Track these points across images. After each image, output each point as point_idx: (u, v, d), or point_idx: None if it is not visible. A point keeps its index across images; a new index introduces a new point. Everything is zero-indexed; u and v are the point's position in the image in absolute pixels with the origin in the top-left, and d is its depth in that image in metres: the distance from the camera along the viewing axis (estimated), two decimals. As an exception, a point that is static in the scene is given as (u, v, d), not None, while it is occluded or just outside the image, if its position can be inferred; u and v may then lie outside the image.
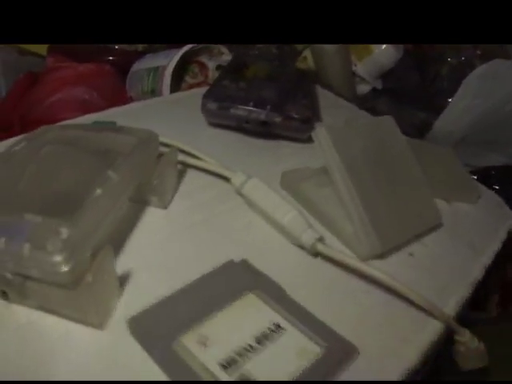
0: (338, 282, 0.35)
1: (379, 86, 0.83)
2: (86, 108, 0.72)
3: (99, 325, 0.29)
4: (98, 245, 0.29)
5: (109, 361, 0.28)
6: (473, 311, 0.56)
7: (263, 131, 0.50)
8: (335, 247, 0.37)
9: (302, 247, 0.37)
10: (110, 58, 0.83)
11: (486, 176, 0.79)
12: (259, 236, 0.38)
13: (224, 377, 0.26)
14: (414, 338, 0.32)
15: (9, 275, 0.28)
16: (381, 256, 0.38)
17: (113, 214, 0.33)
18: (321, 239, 0.35)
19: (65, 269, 0.26)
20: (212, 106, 0.50)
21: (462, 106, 0.73)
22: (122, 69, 0.80)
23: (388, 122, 0.46)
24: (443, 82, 0.81)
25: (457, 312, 0.36)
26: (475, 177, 0.79)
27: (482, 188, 0.55)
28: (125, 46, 0.87)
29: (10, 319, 0.30)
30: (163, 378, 0.27)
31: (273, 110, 0.48)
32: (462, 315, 0.37)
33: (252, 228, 0.39)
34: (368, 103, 0.79)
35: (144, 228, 0.38)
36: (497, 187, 0.79)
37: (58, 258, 0.26)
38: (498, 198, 0.54)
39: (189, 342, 0.28)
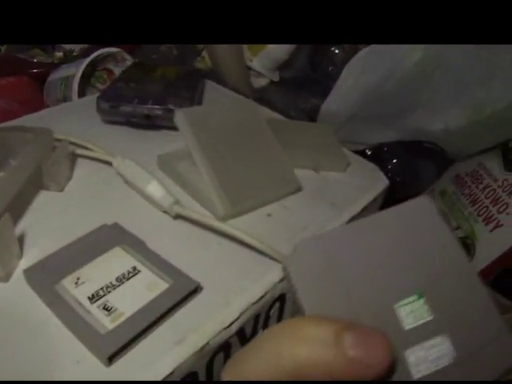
0: (194, 237, 0.44)
1: (276, 78, 0.91)
2: (8, 118, 0.79)
3: (5, 278, 0.37)
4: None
5: (13, 303, 0.36)
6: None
7: (149, 124, 0.58)
8: (199, 211, 0.45)
9: (166, 212, 0.45)
10: (30, 70, 0.90)
11: (380, 152, 0.88)
12: (133, 206, 0.47)
13: (90, 307, 0.35)
14: (260, 278, 0.40)
15: None
16: (238, 216, 0.46)
17: (14, 192, 0.41)
18: (177, 202, 0.44)
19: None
20: (104, 105, 0.58)
21: (347, 87, 0.79)
22: (41, 79, 0.88)
23: (248, 103, 0.55)
24: (330, 66, 0.90)
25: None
26: (368, 152, 0.89)
27: (357, 157, 0.61)
28: (42, 59, 0.94)
29: None
30: (49, 313, 0.35)
31: (154, 103, 0.57)
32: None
33: (128, 200, 0.47)
34: (265, 95, 0.88)
35: (43, 206, 0.46)
36: (394, 161, 0.89)
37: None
38: (372, 165, 0.60)
39: (67, 283, 0.37)
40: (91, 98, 0.72)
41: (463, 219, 0.74)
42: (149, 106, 0.56)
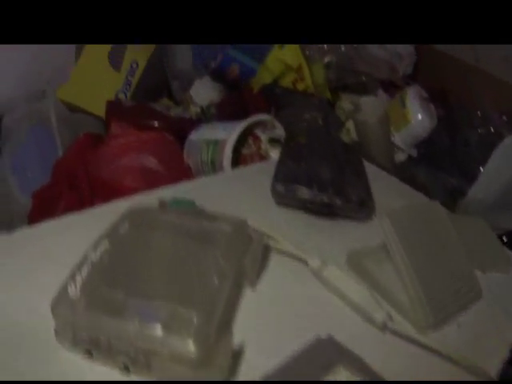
0: (402, 352, 0.42)
1: (414, 153, 0.91)
2: (149, 176, 0.79)
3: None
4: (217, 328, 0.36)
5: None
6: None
7: (325, 211, 0.57)
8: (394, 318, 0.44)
9: (370, 322, 0.43)
10: (165, 124, 0.91)
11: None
12: (336, 313, 0.45)
13: None
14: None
15: (133, 353, 0.33)
16: (434, 326, 0.44)
17: (225, 300, 0.39)
18: (390, 318, 0.43)
19: (195, 353, 0.32)
20: (280, 188, 0.57)
21: (493, 175, 0.79)
22: (177, 135, 0.88)
23: (435, 205, 0.53)
24: (473, 149, 0.88)
25: (498, 370, 0.42)
26: (505, 239, 0.86)
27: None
28: (178, 112, 0.95)
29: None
30: None
31: (334, 193, 0.55)
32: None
33: (328, 306, 0.46)
34: (406, 172, 0.86)
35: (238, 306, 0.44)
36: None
37: (190, 344, 0.32)
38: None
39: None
40: (247, 171, 0.72)
41: None
42: (330, 195, 0.55)
